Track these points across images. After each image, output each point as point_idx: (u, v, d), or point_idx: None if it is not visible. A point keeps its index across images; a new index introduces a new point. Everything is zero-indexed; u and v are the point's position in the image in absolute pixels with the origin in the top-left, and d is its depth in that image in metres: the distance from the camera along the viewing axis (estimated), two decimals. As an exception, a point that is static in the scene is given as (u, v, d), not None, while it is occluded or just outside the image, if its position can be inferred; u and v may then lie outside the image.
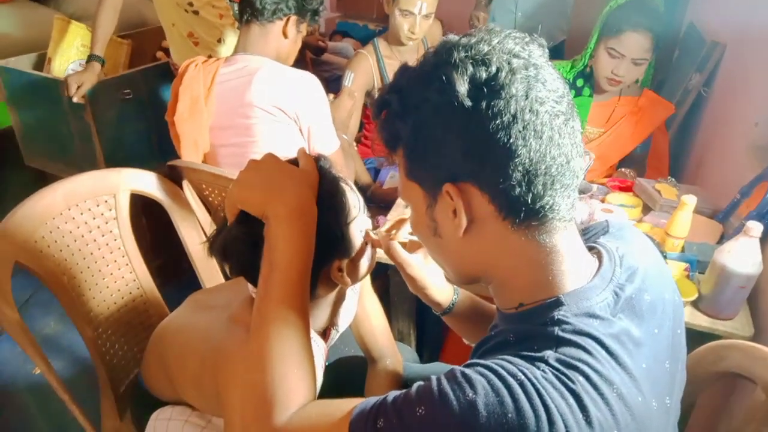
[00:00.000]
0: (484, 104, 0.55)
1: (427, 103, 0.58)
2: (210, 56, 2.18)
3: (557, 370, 0.54)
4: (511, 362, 0.55)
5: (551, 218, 0.59)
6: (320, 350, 0.93)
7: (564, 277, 0.61)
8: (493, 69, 0.55)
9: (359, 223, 0.84)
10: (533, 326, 0.60)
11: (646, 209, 1.55)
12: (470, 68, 0.56)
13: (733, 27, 1.93)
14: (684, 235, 1.32)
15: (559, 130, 0.57)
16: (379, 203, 1.88)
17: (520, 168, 0.56)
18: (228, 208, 0.77)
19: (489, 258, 0.64)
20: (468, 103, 0.55)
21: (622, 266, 0.66)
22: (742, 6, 1.88)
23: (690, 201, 1.28)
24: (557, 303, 0.60)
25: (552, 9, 2.59)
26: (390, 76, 2.03)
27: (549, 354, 0.55)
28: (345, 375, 1.19)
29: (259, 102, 1.49)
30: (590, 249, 0.69)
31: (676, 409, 0.71)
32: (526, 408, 0.51)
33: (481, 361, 0.56)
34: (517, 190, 0.57)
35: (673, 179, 1.61)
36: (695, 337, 1.15)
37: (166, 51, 2.49)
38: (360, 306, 1.09)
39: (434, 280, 0.89)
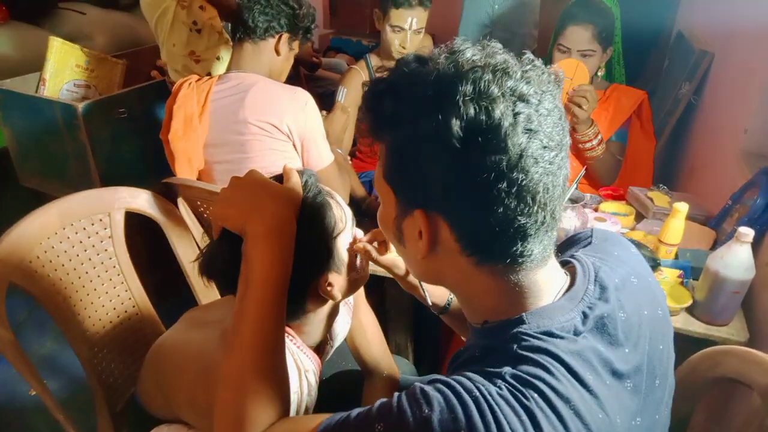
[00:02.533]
0: (475, 153, 0.52)
1: (419, 127, 0.54)
2: (204, 75, 2.23)
3: (513, 386, 0.54)
4: (470, 378, 0.55)
5: (521, 262, 0.58)
6: (313, 366, 0.93)
7: (529, 299, 0.61)
8: (495, 118, 0.51)
9: (347, 236, 0.84)
10: (495, 342, 0.61)
11: (639, 217, 1.56)
12: (471, 112, 0.52)
13: (721, 36, 1.96)
14: (677, 242, 1.32)
15: (545, 188, 0.54)
16: (374, 217, 1.88)
17: (494, 221, 0.54)
18: (213, 226, 0.78)
19: (450, 281, 0.65)
20: (458, 146, 0.52)
21: (596, 283, 0.65)
22: (730, 15, 1.90)
23: (682, 208, 1.29)
24: (519, 321, 0.60)
25: (523, 19, 2.65)
26: None
27: (507, 370, 0.55)
28: (341, 389, 1.18)
29: (252, 118, 1.50)
30: (566, 263, 0.69)
31: (661, 425, 0.70)
32: (479, 424, 0.51)
33: (442, 377, 0.57)
34: (487, 238, 0.56)
35: (665, 186, 1.62)
36: (691, 344, 1.15)
37: (161, 70, 2.52)
38: (355, 319, 1.09)
39: None
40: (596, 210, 1.57)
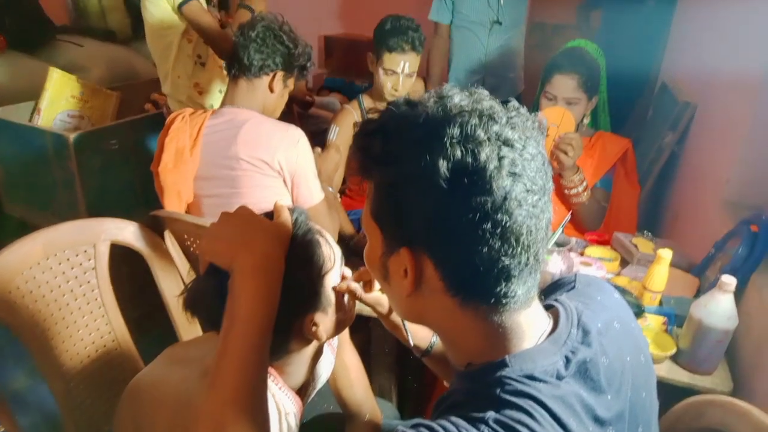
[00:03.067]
0: (461, 194, 0.54)
1: (407, 167, 0.56)
2: (207, 106, 2.27)
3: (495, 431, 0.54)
4: (453, 423, 0.55)
5: (504, 303, 0.59)
6: (294, 408, 0.91)
7: (513, 342, 0.61)
8: (481, 161, 0.53)
9: (335, 276, 0.84)
10: (479, 386, 0.60)
11: (624, 263, 1.58)
12: (458, 153, 0.54)
13: (703, 88, 2.02)
14: (661, 289, 1.33)
15: (528, 230, 0.55)
16: (362, 254, 1.88)
17: (478, 261, 0.55)
18: (200, 260, 0.77)
19: (434, 321, 0.65)
20: (445, 186, 0.54)
21: (579, 327, 0.65)
22: (712, 68, 1.97)
23: (666, 255, 1.31)
24: (502, 364, 0.60)
25: (513, 63, 2.74)
26: None
27: (490, 415, 0.55)
28: (323, 432, 1.16)
29: (244, 154, 1.51)
30: (550, 307, 0.69)
31: None
32: None
33: (425, 422, 0.56)
34: (471, 278, 0.57)
35: (650, 233, 1.64)
36: (675, 393, 1.15)
37: (155, 103, 2.55)
38: (338, 359, 1.08)
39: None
40: (582, 254, 1.58)
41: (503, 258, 0.55)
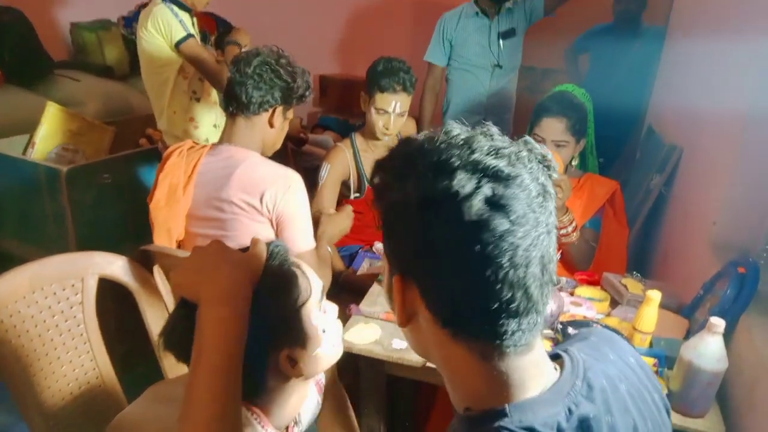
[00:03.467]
0: (431, 220, 0.54)
1: (390, 196, 0.58)
2: (203, 140, 2.29)
3: None
4: None
5: (496, 342, 0.56)
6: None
7: (512, 388, 0.59)
8: (452, 187, 0.52)
9: (313, 309, 0.81)
10: None
11: (614, 303, 1.58)
12: (429, 180, 0.54)
13: (689, 132, 2.07)
14: (651, 330, 1.33)
15: (513, 264, 0.53)
16: (351, 290, 1.88)
17: (454, 291, 0.55)
18: (173, 296, 0.77)
19: (435, 356, 0.64)
20: (420, 214, 0.54)
21: (585, 380, 0.62)
22: (696, 112, 2.02)
23: (655, 296, 1.31)
24: (501, 413, 0.57)
25: (509, 105, 2.85)
26: (366, 167, 2.10)
27: None
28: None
29: (235, 198, 1.49)
30: (557, 356, 0.67)
31: None
32: None
33: None
34: (454, 311, 0.56)
35: (639, 274, 1.65)
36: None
37: (150, 138, 2.57)
38: (326, 400, 1.06)
39: None
40: (572, 294, 1.58)
41: (481, 290, 0.54)
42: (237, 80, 1.51)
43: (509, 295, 0.54)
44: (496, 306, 0.54)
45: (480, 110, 2.77)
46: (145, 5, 3.03)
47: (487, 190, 0.52)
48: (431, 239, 0.54)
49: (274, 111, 1.56)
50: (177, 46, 2.12)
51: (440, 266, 0.55)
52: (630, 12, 2.88)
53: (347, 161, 2.10)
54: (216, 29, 3.61)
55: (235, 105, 1.54)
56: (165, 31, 2.11)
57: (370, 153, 2.13)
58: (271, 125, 1.58)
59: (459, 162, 0.54)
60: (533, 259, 0.54)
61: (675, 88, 2.46)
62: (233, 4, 3.70)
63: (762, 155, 1.47)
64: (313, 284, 0.83)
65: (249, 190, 1.49)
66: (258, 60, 1.51)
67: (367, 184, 2.13)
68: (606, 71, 2.98)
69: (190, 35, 2.13)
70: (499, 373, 0.58)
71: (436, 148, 0.56)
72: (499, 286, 0.53)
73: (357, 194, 2.16)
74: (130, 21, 3.17)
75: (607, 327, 1.39)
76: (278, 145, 1.67)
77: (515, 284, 0.53)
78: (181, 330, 0.75)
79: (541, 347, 0.62)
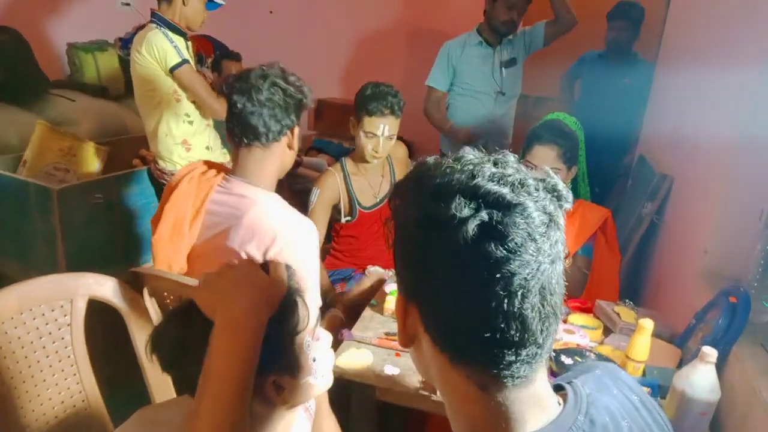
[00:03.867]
0: (430, 241, 0.55)
1: (396, 217, 0.60)
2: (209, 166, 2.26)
3: None
4: None
5: (494, 371, 0.55)
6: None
7: (510, 422, 0.57)
8: (450, 211, 0.52)
9: (306, 337, 0.81)
10: None
11: (607, 331, 1.58)
12: (428, 203, 0.55)
13: (679, 161, 2.10)
14: (644, 359, 1.33)
15: (510, 293, 0.52)
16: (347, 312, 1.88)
17: (449, 312, 0.55)
18: (186, 298, 0.78)
19: (434, 380, 0.63)
20: (420, 236, 0.55)
21: (587, 415, 0.61)
22: (686, 143, 2.06)
23: (648, 325, 1.31)
24: None
25: (507, 132, 2.92)
26: (356, 191, 2.12)
27: None
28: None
29: (240, 248, 1.40)
30: (560, 388, 0.65)
31: None
32: None
33: None
34: (451, 335, 0.56)
35: (631, 302, 1.65)
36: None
37: (143, 159, 2.56)
38: (316, 427, 1.04)
39: None
40: (565, 322, 1.58)
41: (475, 317, 0.53)
42: (249, 110, 1.37)
43: (503, 324, 0.52)
44: (489, 334, 0.53)
45: (483, 136, 2.81)
46: (141, 27, 3.06)
47: (484, 215, 0.52)
48: (428, 261, 0.55)
49: (293, 132, 1.46)
50: (171, 71, 2.15)
51: (436, 289, 0.55)
52: (621, 41, 2.94)
53: (337, 185, 2.11)
54: (213, 52, 3.64)
55: (251, 136, 1.40)
56: (159, 56, 2.13)
57: (361, 177, 2.15)
58: (291, 147, 1.48)
59: (459, 186, 0.54)
60: (531, 288, 0.53)
61: (665, 118, 2.50)
62: (230, 28, 3.74)
63: (751, 185, 1.49)
64: (311, 314, 0.83)
65: (255, 242, 1.38)
66: (267, 83, 1.38)
67: (358, 208, 2.13)
68: (596, 98, 3.03)
69: (185, 61, 2.16)
70: (498, 404, 0.57)
71: (441, 172, 0.57)
72: (493, 314, 0.52)
73: (348, 218, 2.16)
74: (127, 42, 3.18)
75: (600, 355, 1.39)
76: (290, 167, 1.55)
77: (510, 314, 0.52)
78: (173, 340, 0.75)
79: (544, 380, 0.60)
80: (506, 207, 0.53)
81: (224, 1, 2.34)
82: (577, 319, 1.59)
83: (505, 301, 0.52)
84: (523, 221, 0.53)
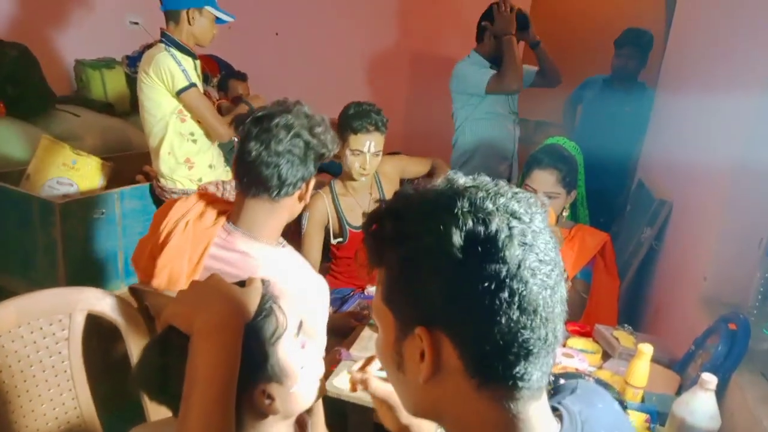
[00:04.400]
0: (475, 263, 0.54)
1: (421, 241, 0.57)
2: (196, 180, 2.26)
3: None
4: None
5: (521, 387, 0.57)
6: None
7: None
8: (492, 229, 0.54)
9: (288, 343, 0.81)
10: None
11: (606, 355, 1.57)
12: (470, 223, 0.55)
13: (677, 188, 2.11)
14: (643, 385, 1.32)
15: (545, 303, 0.55)
16: (338, 333, 1.87)
17: (497, 334, 0.54)
18: (159, 325, 0.77)
19: (447, 411, 0.62)
20: (460, 256, 0.54)
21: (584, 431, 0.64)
22: (685, 169, 2.07)
23: (647, 350, 1.31)
24: None
25: (507, 154, 2.90)
26: (345, 211, 2.14)
27: None
28: None
29: None
30: (554, 410, 0.67)
31: None
32: None
33: None
34: (490, 354, 0.55)
35: (630, 327, 1.65)
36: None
37: (146, 175, 2.58)
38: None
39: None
40: (564, 345, 1.57)
41: (523, 331, 0.54)
42: (265, 161, 1.23)
43: (544, 333, 0.56)
44: (534, 346, 0.55)
45: (509, 156, 2.84)
46: (149, 46, 3.10)
47: (519, 231, 0.55)
48: (470, 282, 0.54)
49: (307, 185, 1.32)
50: (178, 94, 2.17)
51: (479, 309, 0.54)
52: (628, 68, 2.96)
53: (326, 207, 2.15)
54: (219, 71, 3.68)
55: (261, 189, 1.25)
56: (167, 78, 2.15)
57: (349, 197, 2.18)
58: (302, 199, 1.34)
59: (493, 206, 0.56)
60: (557, 296, 0.57)
61: (664, 143, 2.52)
62: (236, 48, 3.79)
63: (750, 211, 1.50)
64: (290, 319, 0.82)
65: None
66: (291, 134, 1.24)
67: (349, 229, 2.15)
68: (597, 124, 3.05)
69: (192, 84, 2.17)
70: (519, 420, 0.58)
71: (465, 193, 0.57)
72: (538, 321, 0.55)
73: (340, 239, 2.18)
74: (134, 60, 3.23)
75: (599, 380, 1.38)
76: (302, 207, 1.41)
77: (548, 322, 0.56)
78: (156, 368, 0.75)
79: (546, 397, 0.62)
80: (528, 221, 0.57)
81: (233, 17, 2.32)
82: (576, 343, 1.58)
83: (547, 308, 0.56)
84: (540, 233, 0.57)
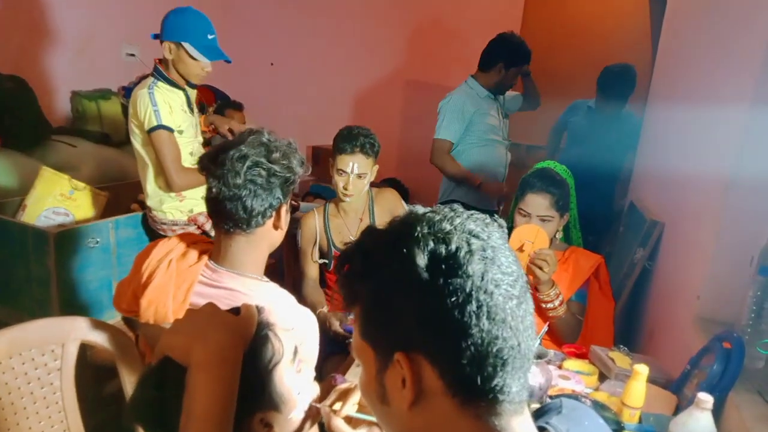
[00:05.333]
0: (441, 280, 0.57)
1: (388, 269, 0.60)
2: (187, 212, 2.24)
3: None
4: None
5: (501, 400, 0.59)
6: None
7: None
8: (453, 247, 0.58)
9: (285, 370, 0.81)
10: None
11: (602, 376, 1.56)
12: (431, 244, 0.58)
13: (668, 208, 2.12)
14: (640, 405, 1.32)
15: (512, 313, 0.58)
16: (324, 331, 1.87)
17: (471, 347, 0.56)
18: (155, 356, 0.76)
19: None
20: (426, 276, 0.57)
21: None
22: (675, 190, 2.09)
23: (642, 370, 1.31)
24: None
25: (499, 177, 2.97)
26: (333, 232, 2.18)
27: None
28: None
29: None
30: (542, 430, 0.69)
31: None
32: None
33: None
34: (467, 369, 0.57)
35: (626, 348, 1.64)
36: None
37: (141, 204, 2.59)
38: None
39: None
40: (560, 367, 1.57)
41: (495, 341, 0.57)
42: (226, 195, 1.21)
43: (515, 341, 0.58)
44: (507, 354, 0.58)
45: (499, 180, 2.90)
46: (145, 77, 3.14)
47: (478, 247, 0.59)
48: (439, 299, 0.57)
49: (278, 212, 1.30)
50: (148, 133, 2.10)
51: (451, 324, 0.57)
52: (610, 107, 3.00)
53: (315, 226, 2.21)
54: (215, 101, 3.73)
55: (230, 224, 1.24)
56: (141, 116, 2.09)
57: (339, 219, 2.22)
58: (277, 227, 1.32)
59: (450, 226, 0.60)
60: (524, 305, 0.60)
61: (654, 165, 2.55)
62: (232, 78, 3.85)
63: (740, 230, 1.51)
64: (285, 345, 0.82)
65: None
66: (247, 165, 1.21)
67: (334, 251, 2.19)
68: (581, 146, 3.08)
69: (160, 126, 2.08)
70: None
71: (423, 218, 0.62)
72: (508, 330, 0.58)
73: (324, 260, 2.22)
74: (130, 91, 3.26)
75: (596, 402, 1.38)
76: (281, 238, 1.38)
77: (517, 331, 0.59)
78: (152, 400, 0.74)
79: (529, 415, 0.63)
80: (486, 238, 0.60)
81: (222, 58, 2.21)
82: (573, 365, 1.58)
83: (514, 319, 0.58)
84: (499, 249, 0.61)
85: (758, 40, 1.46)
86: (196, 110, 2.37)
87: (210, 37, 2.16)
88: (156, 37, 2.17)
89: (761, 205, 1.46)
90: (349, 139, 2.06)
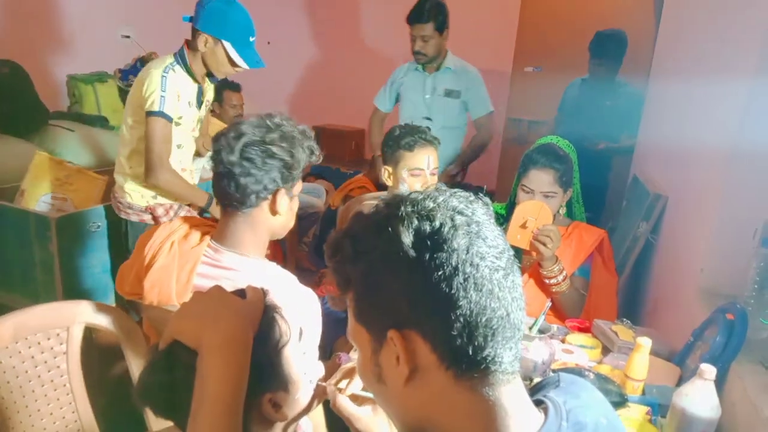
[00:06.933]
0: (427, 256, 0.58)
1: (376, 250, 0.62)
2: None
3: None
4: None
5: (494, 370, 0.60)
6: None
7: (514, 416, 0.61)
8: (437, 224, 0.59)
9: (292, 351, 0.81)
10: None
11: (606, 350, 1.57)
12: (415, 222, 0.60)
13: (672, 182, 2.11)
14: (643, 377, 1.32)
15: (499, 284, 0.60)
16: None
17: (461, 318, 0.58)
18: (163, 340, 0.76)
19: (432, 411, 0.64)
20: (412, 253, 0.59)
21: (569, 421, 0.65)
22: (678, 163, 2.08)
23: (645, 343, 1.31)
24: None
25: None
26: None
27: None
28: None
29: None
30: (539, 403, 0.69)
31: None
32: None
33: None
34: (458, 340, 0.58)
35: (629, 321, 1.65)
36: (663, 488, 1.11)
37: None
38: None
39: None
40: (563, 341, 1.57)
41: (484, 311, 0.58)
42: (221, 171, 1.22)
43: (504, 312, 0.60)
44: (497, 323, 0.59)
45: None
46: (141, 58, 3.10)
47: (462, 222, 0.60)
48: (426, 274, 0.58)
49: (275, 197, 1.26)
50: (146, 114, 1.97)
51: (440, 298, 0.58)
52: (601, 73, 2.99)
53: None
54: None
55: (226, 201, 1.25)
56: (146, 94, 1.96)
57: None
58: (275, 212, 1.28)
59: (433, 204, 0.62)
60: (511, 277, 0.62)
61: (657, 138, 2.53)
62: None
63: (743, 202, 1.50)
64: (292, 326, 0.83)
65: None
66: (242, 143, 1.20)
67: None
68: (577, 118, 3.06)
69: (161, 113, 1.96)
70: (497, 410, 0.61)
71: (407, 198, 0.63)
72: (496, 302, 0.59)
73: None
74: (127, 74, 3.24)
75: (599, 375, 1.38)
76: (291, 225, 1.36)
77: (505, 302, 0.60)
78: (163, 384, 0.74)
79: (523, 388, 0.65)
80: (470, 214, 0.62)
81: (259, 65, 2.09)
82: (576, 339, 1.58)
83: (501, 290, 0.60)
84: (484, 223, 0.62)
85: (763, 11, 1.43)
86: (205, 106, 2.23)
87: (251, 39, 2.02)
88: (190, 20, 1.98)
89: (765, 178, 1.45)
90: (414, 133, 1.83)
